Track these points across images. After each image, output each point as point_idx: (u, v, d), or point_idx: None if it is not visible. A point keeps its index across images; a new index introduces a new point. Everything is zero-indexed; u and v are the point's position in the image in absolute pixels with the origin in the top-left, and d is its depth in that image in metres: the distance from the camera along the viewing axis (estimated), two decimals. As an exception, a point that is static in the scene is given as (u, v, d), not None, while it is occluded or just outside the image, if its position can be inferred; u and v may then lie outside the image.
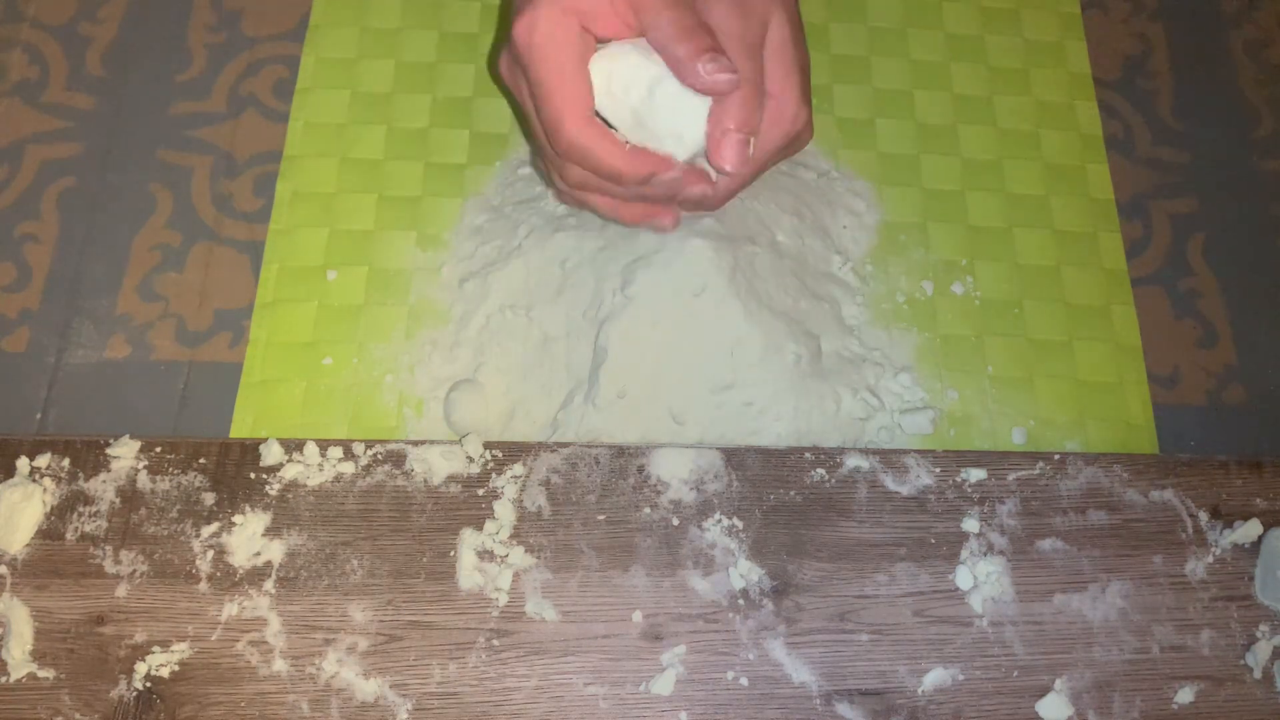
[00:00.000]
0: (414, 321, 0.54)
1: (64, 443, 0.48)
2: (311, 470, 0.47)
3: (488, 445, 0.48)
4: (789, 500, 0.48)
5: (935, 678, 0.45)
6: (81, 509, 0.46)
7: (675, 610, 0.45)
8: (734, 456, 0.48)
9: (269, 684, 0.44)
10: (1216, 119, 0.62)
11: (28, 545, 0.45)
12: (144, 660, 0.44)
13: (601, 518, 0.47)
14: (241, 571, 0.45)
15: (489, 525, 0.46)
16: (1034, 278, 0.57)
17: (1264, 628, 0.47)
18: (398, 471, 0.47)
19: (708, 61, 0.40)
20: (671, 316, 0.50)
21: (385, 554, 0.46)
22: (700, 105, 0.42)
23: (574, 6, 0.41)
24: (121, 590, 0.45)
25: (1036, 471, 0.49)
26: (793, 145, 0.45)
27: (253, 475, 0.47)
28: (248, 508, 0.46)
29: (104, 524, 0.46)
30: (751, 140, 0.42)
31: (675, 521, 0.47)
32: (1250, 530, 0.48)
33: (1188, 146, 0.61)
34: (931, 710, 0.45)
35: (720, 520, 0.47)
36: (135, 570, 0.45)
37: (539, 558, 0.46)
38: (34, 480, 0.47)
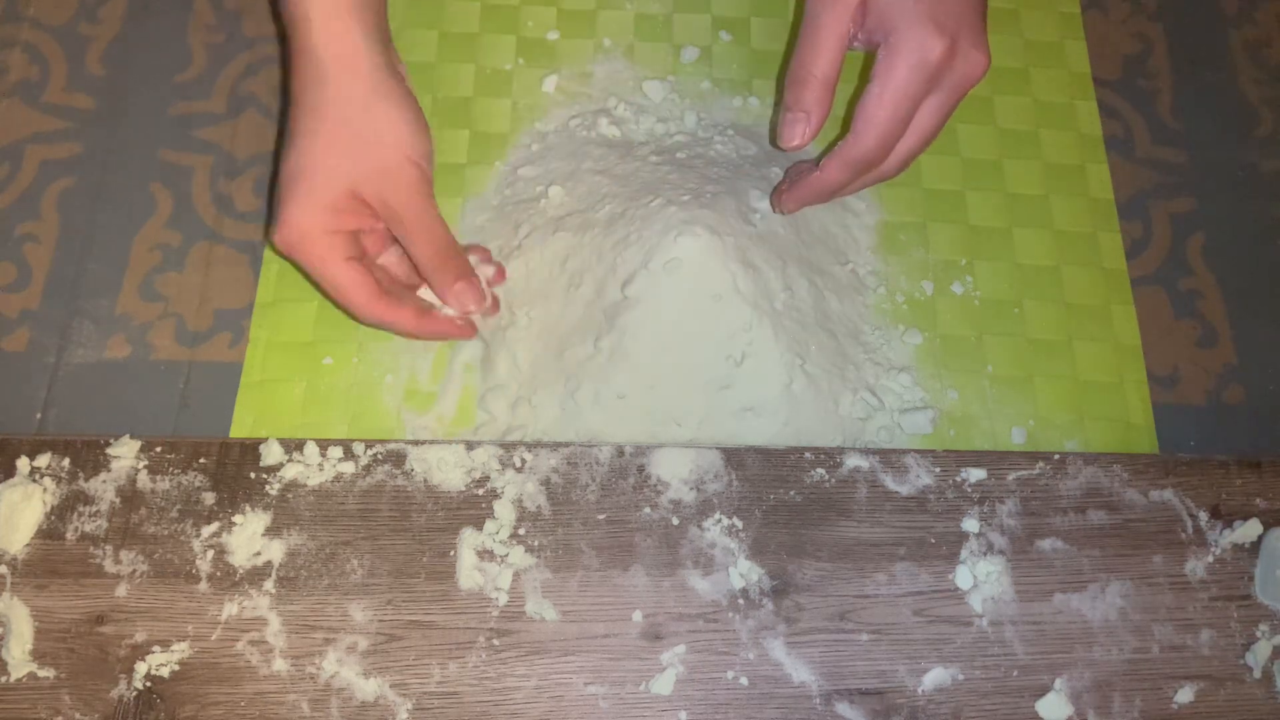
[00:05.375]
0: (414, 321, 0.54)
1: (64, 443, 0.48)
2: (311, 470, 0.47)
3: (488, 444, 0.48)
4: (789, 500, 0.48)
5: (935, 677, 0.45)
6: (81, 509, 0.46)
7: (675, 610, 0.45)
8: (734, 456, 0.48)
9: (269, 684, 0.44)
10: (1216, 119, 0.62)
11: (28, 545, 0.45)
12: (144, 660, 0.44)
13: (601, 517, 0.47)
14: (241, 571, 0.45)
15: (489, 525, 0.46)
16: (1034, 277, 0.57)
17: (1264, 628, 0.47)
18: (398, 471, 0.47)
19: (460, 291, 0.49)
20: (672, 316, 0.50)
21: (385, 554, 0.46)
22: None
23: (327, 217, 0.46)
24: (121, 590, 0.45)
25: (1036, 471, 0.49)
26: (934, 78, 0.45)
27: (253, 475, 0.47)
28: (248, 507, 0.46)
29: (104, 524, 0.46)
30: (805, 116, 0.46)
31: (675, 521, 0.47)
32: (1250, 530, 0.48)
33: (1188, 146, 0.61)
34: (931, 710, 0.45)
35: (720, 520, 0.47)
36: (135, 570, 0.45)
37: (539, 557, 0.46)
38: (34, 480, 0.47)
